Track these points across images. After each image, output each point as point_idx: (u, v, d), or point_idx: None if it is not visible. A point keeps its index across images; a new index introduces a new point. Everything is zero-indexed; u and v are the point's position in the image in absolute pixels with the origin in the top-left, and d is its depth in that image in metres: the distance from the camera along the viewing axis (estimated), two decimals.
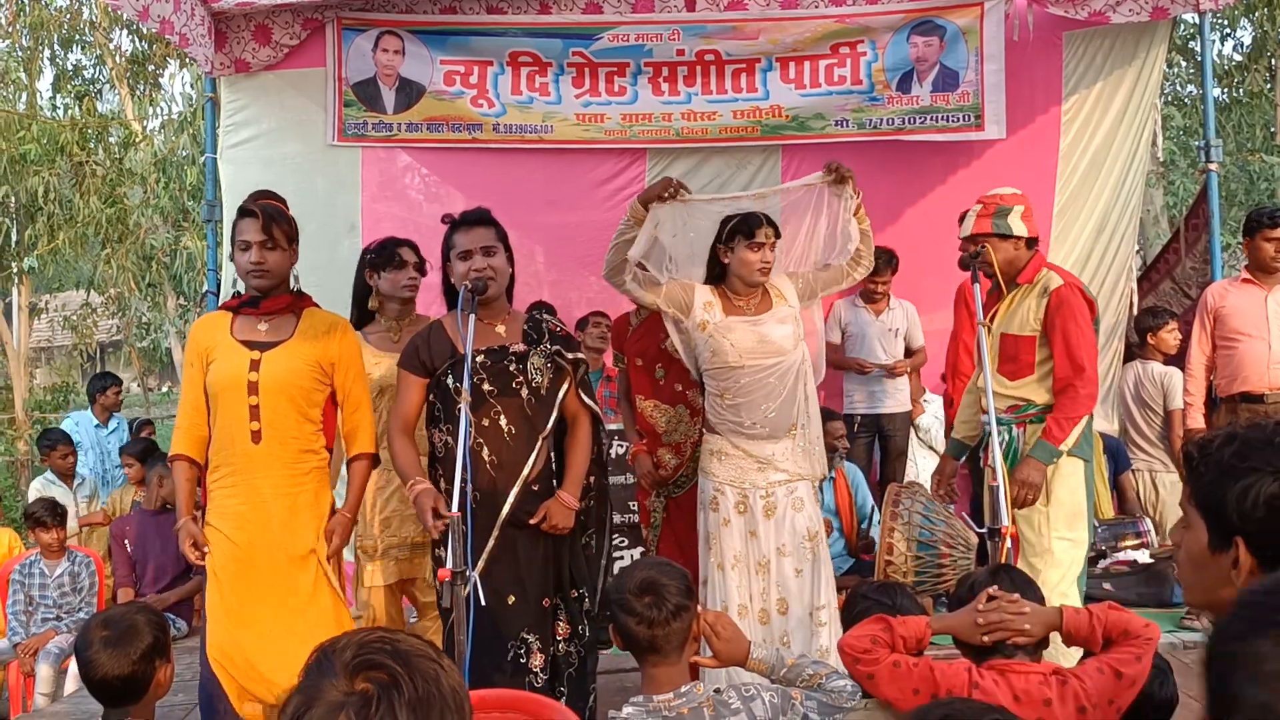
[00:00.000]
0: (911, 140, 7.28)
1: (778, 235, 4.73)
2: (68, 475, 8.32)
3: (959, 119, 7.24)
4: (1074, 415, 4.43)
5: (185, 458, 4.10)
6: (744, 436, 4.64)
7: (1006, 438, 4.50)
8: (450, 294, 4.31)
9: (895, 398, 7.33)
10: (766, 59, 7.22)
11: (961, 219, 4.81)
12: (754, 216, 4.69)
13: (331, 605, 4.08)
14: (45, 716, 6.02)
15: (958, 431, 5.06)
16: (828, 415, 6.60)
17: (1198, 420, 6.74)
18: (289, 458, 4.05)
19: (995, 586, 2.77)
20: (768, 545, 4.61)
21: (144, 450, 8.12)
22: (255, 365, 4.01)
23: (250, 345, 4.05)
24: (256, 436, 3.99)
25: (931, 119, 7.24)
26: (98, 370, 24.11)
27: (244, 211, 4.09)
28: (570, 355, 4.23)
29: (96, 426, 9.29)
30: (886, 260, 7.22)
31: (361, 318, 5.03)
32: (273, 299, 4.12)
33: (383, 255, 4.97)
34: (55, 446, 8.33)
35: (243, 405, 3.99)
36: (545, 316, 4.35)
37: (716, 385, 4.68)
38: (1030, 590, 2.89)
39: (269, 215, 4.05)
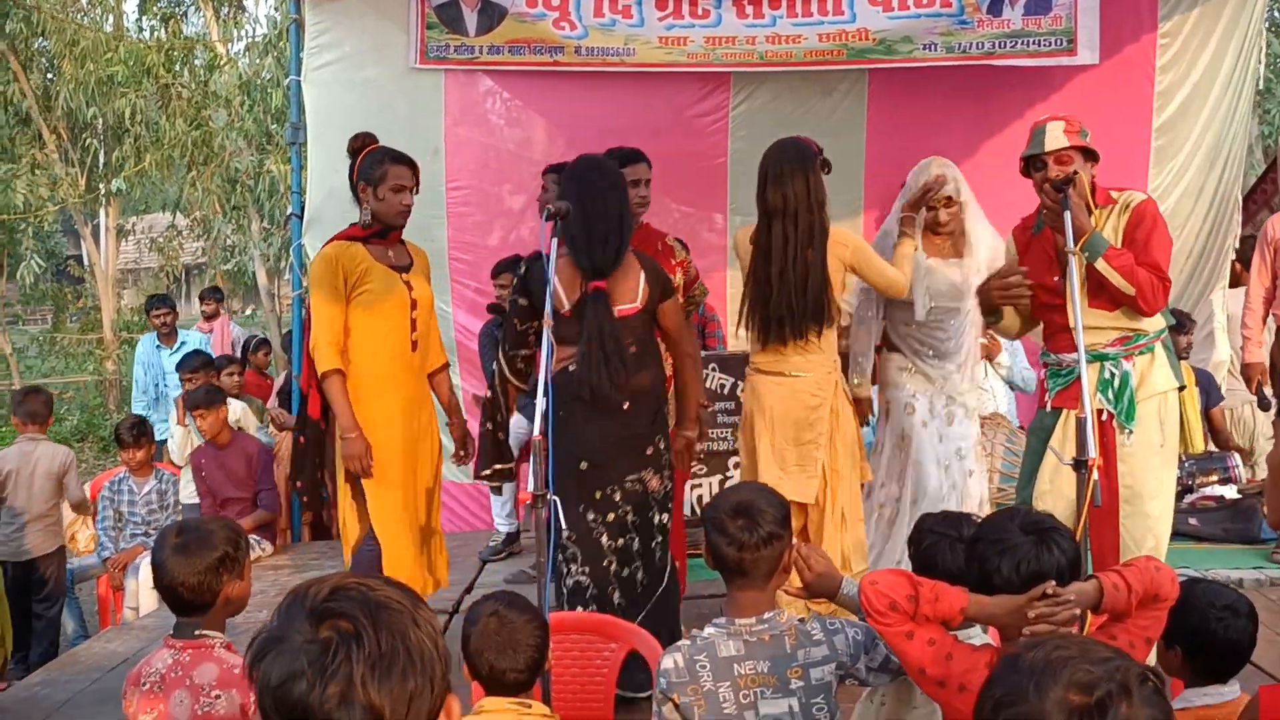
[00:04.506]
0: (1000, 65, 7.09)
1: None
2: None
3: (1050, 43, 7.05)
4: (1137, 276, 4.20)
5: (341, 371, 4.51)
6: (920, 358, 5.08)
7: (1115, 371, 4.34)
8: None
9: None
10: None
11: (1032, 136, 4.49)
12: None
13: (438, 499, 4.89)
14: (133, 629, 6.19)
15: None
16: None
17: (1255, 355, 6.58)
18: (427, 363, 4.80)
19: (1054, 583, 2.59)
20: (949, 447, 5.02)
21: (203, 364, 8.11)
22: (408, 285, 4.64)
23: (393, 269, 4.63)
24: (414, 346, 4.66)
25: (1022, 43, 7.04)
26: (185, 292, 24.55)
27: (396, 157, 4.63)
28: None
29: (157, 347, 9.50)
30: None
31: None
32: (397, 232, 4.71)
33: None
34: (196, 370, 7.96)
35: (406, 318, 4.62)
36: None
37: (902, 313, 5.03)
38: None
39: (417, 166, 4.69)
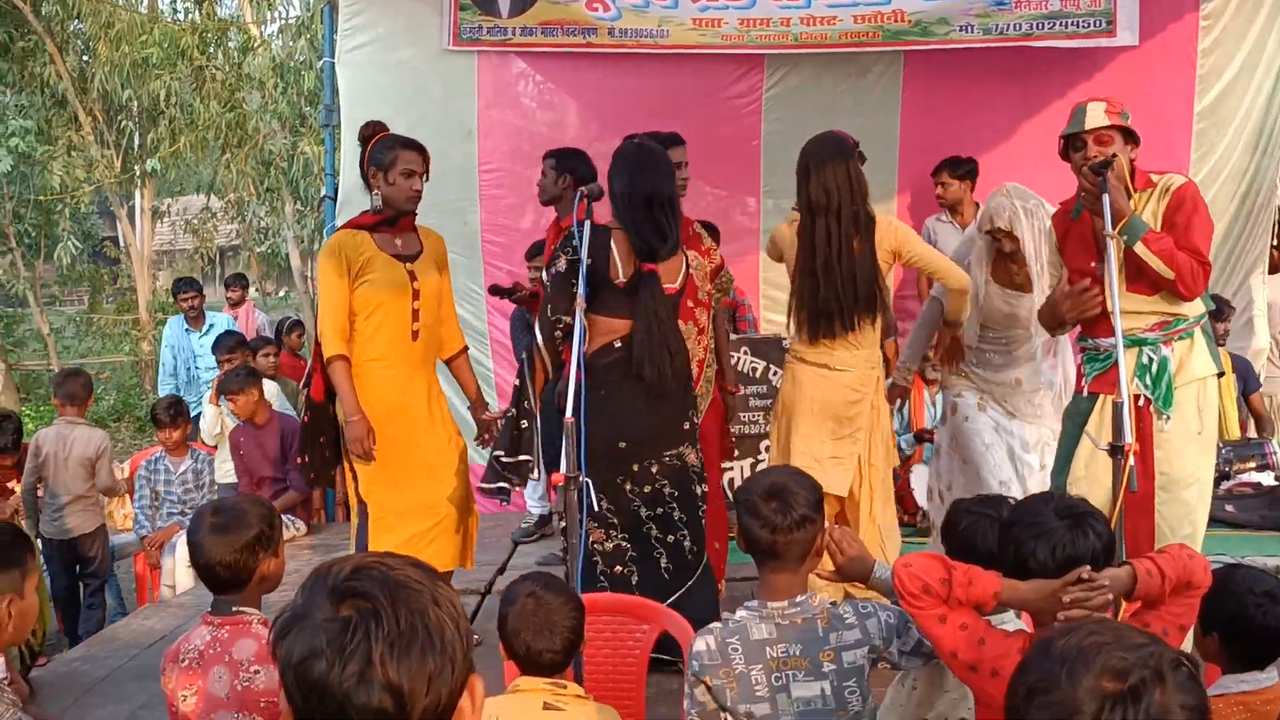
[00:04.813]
0: (1038, 46, 7.02)
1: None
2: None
3: (1089, 24, 6.97)
4: (1176, 260, 4.12)
5: (345, 358, 4.58)
6: (970, 366, 5.33)
7: (1153, 356, 4.28)
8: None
9: None
10: None
11: (1072, 116, 4.41)
12: None
13: (464, 480, 4.86)
14: (170, 606, 6.24)
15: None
16: None
17: None
18: (435, 351, 4.84)
19: (1089, 568, 2.58)
20: (1010, 440, 5.21)
21: (239, 344, 8.24)
22: (412, 275, 4.66)
23: (399, 258, 4.66)
24: (415, 335, 4.67)
25: (1060, 24, 6.97)
26: (218, 274, 24.70)
27: (406, 143, 4.68)
28: None
29: (186, 330, 9.51)
30: (952, 166, 6.98)
31: None
32: (408, 219, 4.73)
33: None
34: (233, 350, 8.17)
35: (406, 309, 4.63)
36: None
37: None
38: None
39: (427, 152, 4.70)
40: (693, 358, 4.91)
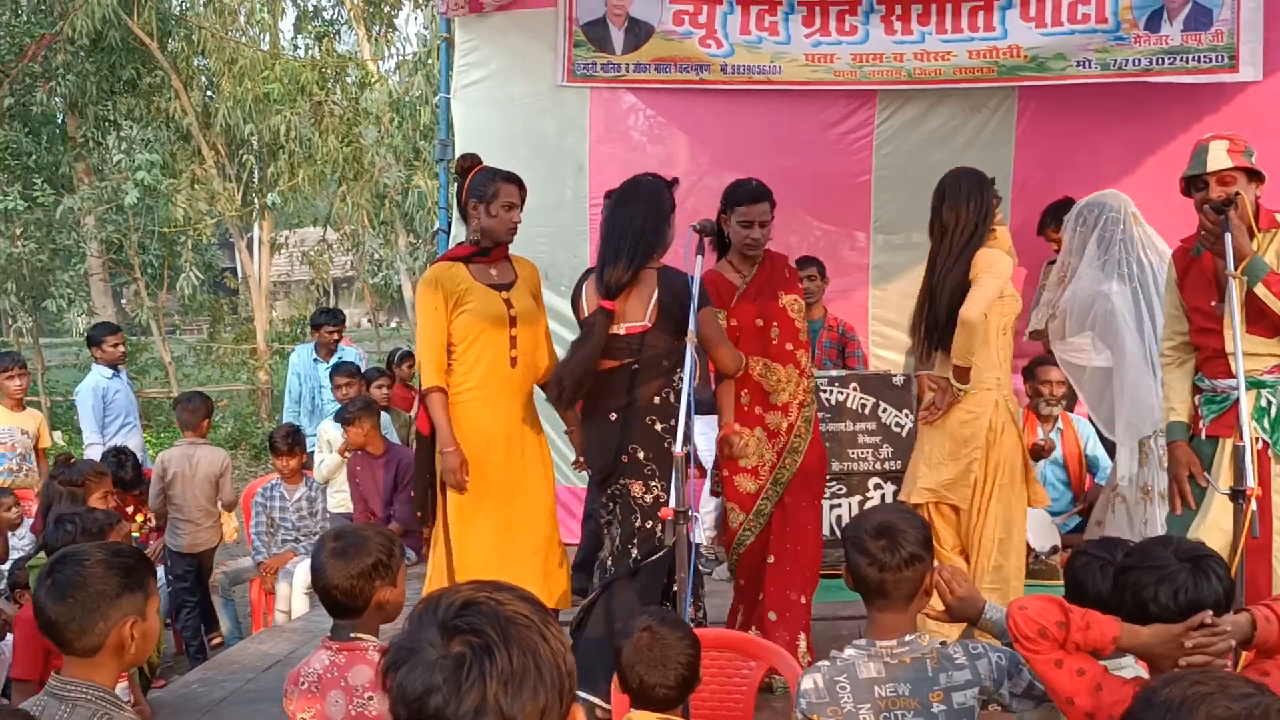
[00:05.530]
0: (1158, 82, 6.89)
1: None
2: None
3: (1211, 60, 6.82)
4: None
5: (442, 389, 4.69)
6: None
7: (1272, 400, 4.19)
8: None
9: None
10: None
11: (1194, 155, 4.36)
12: None
13: (553, 514, 4.92)
14: (285, 631, 6.36)
15: (1179, 413, 4.47)
16: (1041, 360, 6.45)
17: None
18: (533, 378, 4.88)
19: (1211, 613, 2.53)
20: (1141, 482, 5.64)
21: (356, 371, 8.50)
22: (509, 303, 4.74)
23: (495, 287, 4.76)
24: (514, 362, 4.74)
25: (1181, 60, 6.82)
26: (332, 304, 25.19)
27: (507, 176, 4.78)
28: None
29: (315, 360, 9.51)
30: (1055, 219, 6.86)
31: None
32: (502, 249, 4.84)
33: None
34: (353, 376, 8.45)
35: (505, 337, 4.72)
36: None
37: None
38: None
39: (524, 184, 4.81)
40: (793, 399, 4.90)
